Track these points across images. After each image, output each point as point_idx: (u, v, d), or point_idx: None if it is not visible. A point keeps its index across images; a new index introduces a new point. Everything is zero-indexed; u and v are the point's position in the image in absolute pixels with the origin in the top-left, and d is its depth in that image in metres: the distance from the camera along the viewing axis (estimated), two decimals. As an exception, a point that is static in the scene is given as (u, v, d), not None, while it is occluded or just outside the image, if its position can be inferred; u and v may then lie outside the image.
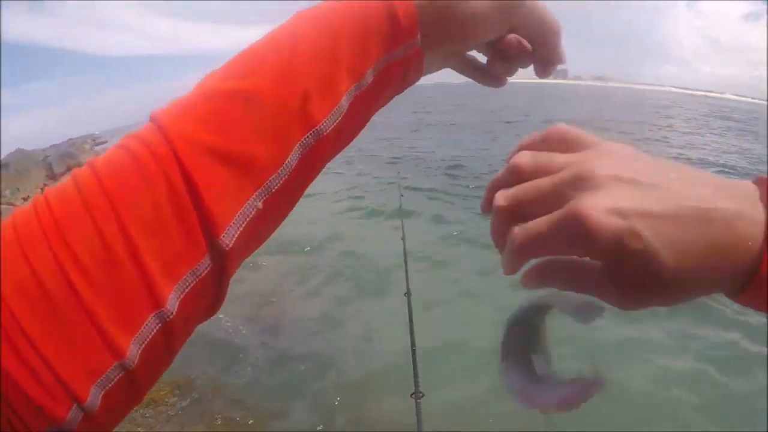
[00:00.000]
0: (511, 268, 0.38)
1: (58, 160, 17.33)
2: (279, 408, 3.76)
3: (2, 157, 14.71)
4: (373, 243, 6.49)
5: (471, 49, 0.50)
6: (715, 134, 22.31)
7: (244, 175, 0.35)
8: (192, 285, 0.34)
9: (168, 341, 0.34)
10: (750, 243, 0.32)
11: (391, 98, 0.48)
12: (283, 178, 0.37)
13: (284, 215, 0.41)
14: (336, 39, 0.40)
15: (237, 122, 0.36)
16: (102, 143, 33.59)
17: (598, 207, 0.32)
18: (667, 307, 0.36)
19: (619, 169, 0.34)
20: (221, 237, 0.35)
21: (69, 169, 14.52)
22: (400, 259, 3.01)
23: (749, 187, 0.34)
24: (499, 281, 5.16)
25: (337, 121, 0.40)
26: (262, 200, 0.36)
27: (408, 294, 2.44)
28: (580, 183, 0.34)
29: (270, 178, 0.37)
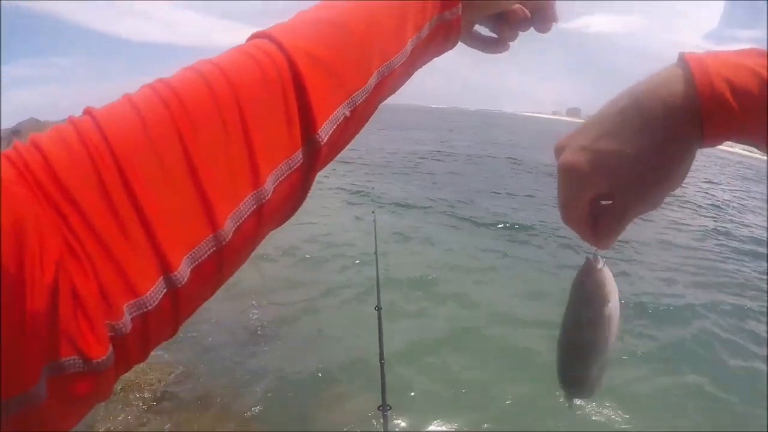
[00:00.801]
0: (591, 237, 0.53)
1: None
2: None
3: (15, 124, 14.38)
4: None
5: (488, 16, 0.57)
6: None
7: (339, 86, 0.42)
8: (287, 174, 0.38)
9: (258, 225, 0.37)
10: (674, 88, 0.43)
11: (435, 56, 0.55)
12: (365, 95, 0.44)
13: (358, 130, 0.47)
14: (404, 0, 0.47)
15: (337, 44, 0.42)
16: None
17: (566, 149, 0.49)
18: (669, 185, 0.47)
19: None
20: (318, 132, 0.40)
21: None
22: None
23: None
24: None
25: (403, 60, 0.48)
26: (349, 109, 0.42)
27: (378, 308, 2.43)
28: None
29: (356, 92, 0.43)
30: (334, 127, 0.41)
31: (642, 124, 0.44)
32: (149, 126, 0.33)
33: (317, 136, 0.40)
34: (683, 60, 0.43)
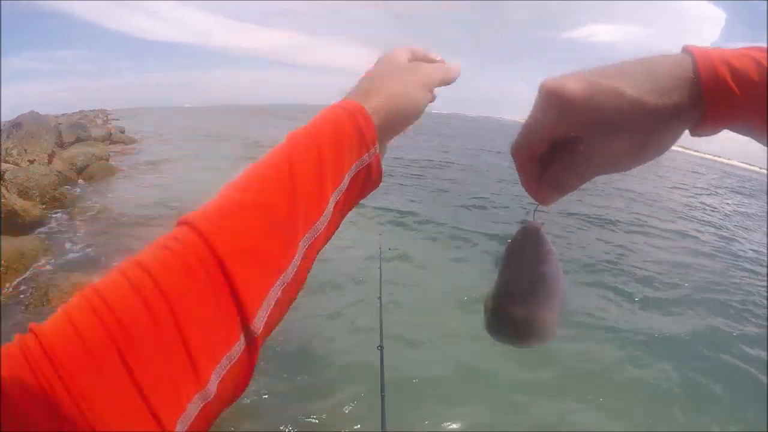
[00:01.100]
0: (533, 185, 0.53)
1: (68, 130, 17.28)
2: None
3: (15, 117, 14.28)
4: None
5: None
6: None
7: (268, 271, 0.43)
8: (228, 367, 0.39)
9: (207, 421, 0.38)
10: (680, 66, 0.44)
11: (362, 197, 0.56)
12: (294, 270, 0.45)
13: (294, 299, 0.48)
14: (321, 159, 0.48)
15: (261, 228, 0.43)
16: (115, 120, 33.18)
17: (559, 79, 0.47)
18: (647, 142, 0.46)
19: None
20: (253, 322, 0.41)
21: (78, 139, 13.89)
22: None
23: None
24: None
25: (327, 221, 0.49)
26: (281, 289, 0.44)
27: (381, 348, 2.40)
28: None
29: (285, 272, 0.44)
30: (268, 312, 0.42)
31: (648, 80, 0.44)
32: (90, 347, 0.34)
33: (253, 327, 0.41)
34: (687, 49, 0.45)
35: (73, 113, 35.74)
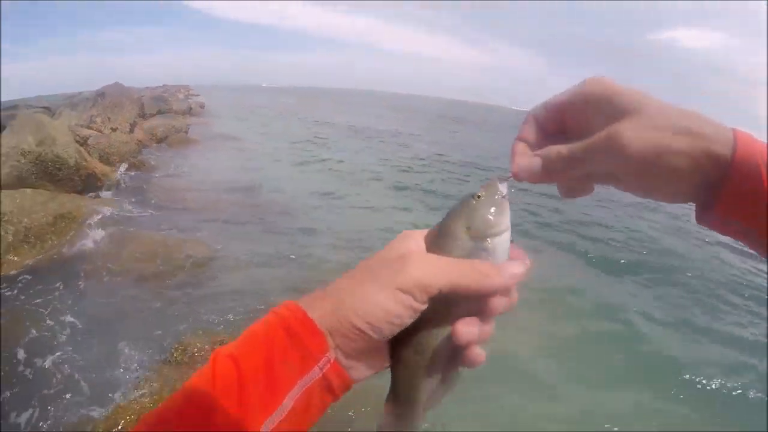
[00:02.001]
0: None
1: (151, 102, 18.18)
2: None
3: (101, 87, 15.09)
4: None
5: None
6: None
7: None
8: None
9: None
10: (720, 147, 0.45)
11: (322, 413, 0.50)
12: None
13: None
14: (242, 384, 0.45)
15: None
16: (195, 95, 34.48)
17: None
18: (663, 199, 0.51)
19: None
20: None
21: (159, 111, 14.78)
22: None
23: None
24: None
25: None
26: None
27: None
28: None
29: None
30: None
31: (686, 141, 0.46)
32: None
33: None
34: (733, 131, 0.46)
35: (156, 87, 37.42)
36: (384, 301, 0.48)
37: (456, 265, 0.50)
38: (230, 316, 4.70)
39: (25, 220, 5.72)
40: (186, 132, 15.74)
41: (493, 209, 0.54)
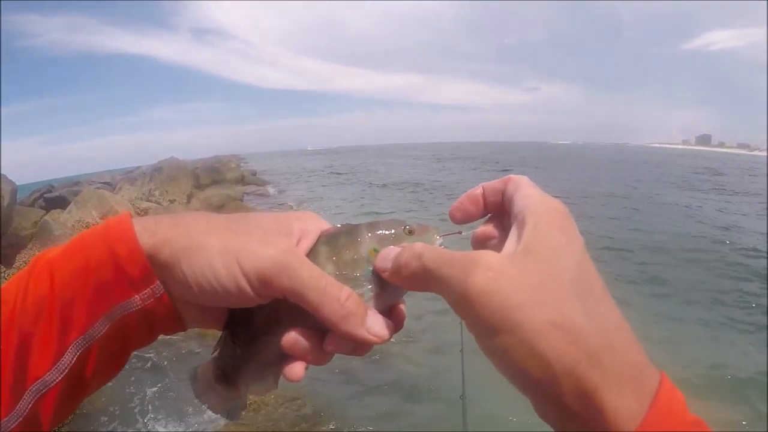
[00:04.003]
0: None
1: (204, 173, 18.88)
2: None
3: (157, 162, 15.95)
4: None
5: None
6: None
7: None
8: None
9: None
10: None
11: (151, 341, 0.47)
12: (15, 422, 0.40)
13: None
14: (53, 293, 0.41)
15: None
16: (245, 163, 35.93)
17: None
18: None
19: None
20: None
21: (214, 181, 15.51)
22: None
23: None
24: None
25: (65, 372, 0.41)
26: None
27: (463, 397, 2.29)
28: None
29: (2, 421, 0.40)
30: None
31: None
32: None
33: None
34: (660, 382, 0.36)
35: (209, 158, 39.06)
36: (220, 271, 0.42)
37: (318, 279, 0.42)
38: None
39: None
40: (241, 200, 16.17)
41: None
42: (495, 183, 0.47)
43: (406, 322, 0.48)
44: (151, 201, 11.51)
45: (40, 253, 0.44)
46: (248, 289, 0.42)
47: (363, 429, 4.14)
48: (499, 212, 0.48)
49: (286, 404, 4.28)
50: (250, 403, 3.96)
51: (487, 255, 0.39)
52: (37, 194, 15.93)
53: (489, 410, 4.17)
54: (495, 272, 0.37)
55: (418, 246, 0.42)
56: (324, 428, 4.10)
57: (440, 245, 0.47)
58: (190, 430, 4.13)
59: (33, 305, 0.40)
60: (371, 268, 0.45)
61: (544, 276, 0.36)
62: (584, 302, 0.36)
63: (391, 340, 0.45)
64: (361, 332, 0.43)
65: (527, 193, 0.43)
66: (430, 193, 19.83)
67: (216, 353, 0.51)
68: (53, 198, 14.90)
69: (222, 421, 4.00)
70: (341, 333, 0.43)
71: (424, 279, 0.41)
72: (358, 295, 0.44)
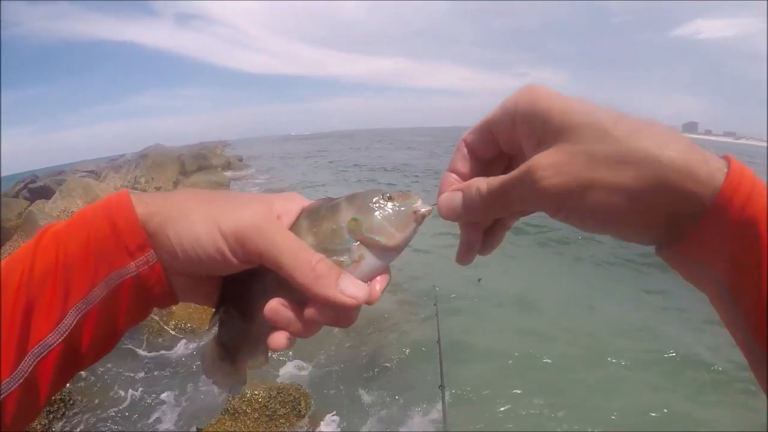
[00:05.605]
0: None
1: (191, 159, 18.63)
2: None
3: (142, 149, 15.75)
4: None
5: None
6: None
7: None
8: None
9: None
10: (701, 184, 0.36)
11: (143, 315, 0.48)
12: (16, 384, 0.41)
13: (30, 417, 0.44)
14: (58, 261, 0.43)
15: None
16: (232, 149, 35.56)
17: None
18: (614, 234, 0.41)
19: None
20: None
21: (200, 168, 15.35)
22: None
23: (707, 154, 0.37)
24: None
25: (65, 336, 0.43)
26: None
27: (442, 387, 2.41)
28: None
29: (3, 382, 0.40)
30: None
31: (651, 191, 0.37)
32: None
33: None
34: (726, 159, 0.38)
35: (195, 144, 38.68)
36: (201, 234, 0.44)
37: (291, 243, 0.44)
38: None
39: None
40: (227, 186, 16.10)
41: (395, 219, 0.46)
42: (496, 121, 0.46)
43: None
44: (137, 188, 11.39)
45: (47, 226, 0.46)
46: (227, 251, 0.44)
47: (363, 429, 4.15)
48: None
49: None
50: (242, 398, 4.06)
51: (536, 159, 0.40)
52: (21, 185, 15.76)
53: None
54: (555, 167, 0.39)
55: (473, 181, 0.45)
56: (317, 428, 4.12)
57: (424, 210, 0.47)
58: (191, 429, 4.15)
59: (39, 273, 0.42)
60: (350, 237, 0.46)
61: (582, 152, 0.38)
62: (651, 128, 0.38)
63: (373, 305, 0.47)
64: (333, 293, 0.43)
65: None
66: (417, 176, 19.87)
67: (215, 332, 0.53)
68: (37, 188, 14.80)
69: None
70: (314, 296, 0.44)
71: (503, 196, 0.42)
72: (334, 262, 0.45)
